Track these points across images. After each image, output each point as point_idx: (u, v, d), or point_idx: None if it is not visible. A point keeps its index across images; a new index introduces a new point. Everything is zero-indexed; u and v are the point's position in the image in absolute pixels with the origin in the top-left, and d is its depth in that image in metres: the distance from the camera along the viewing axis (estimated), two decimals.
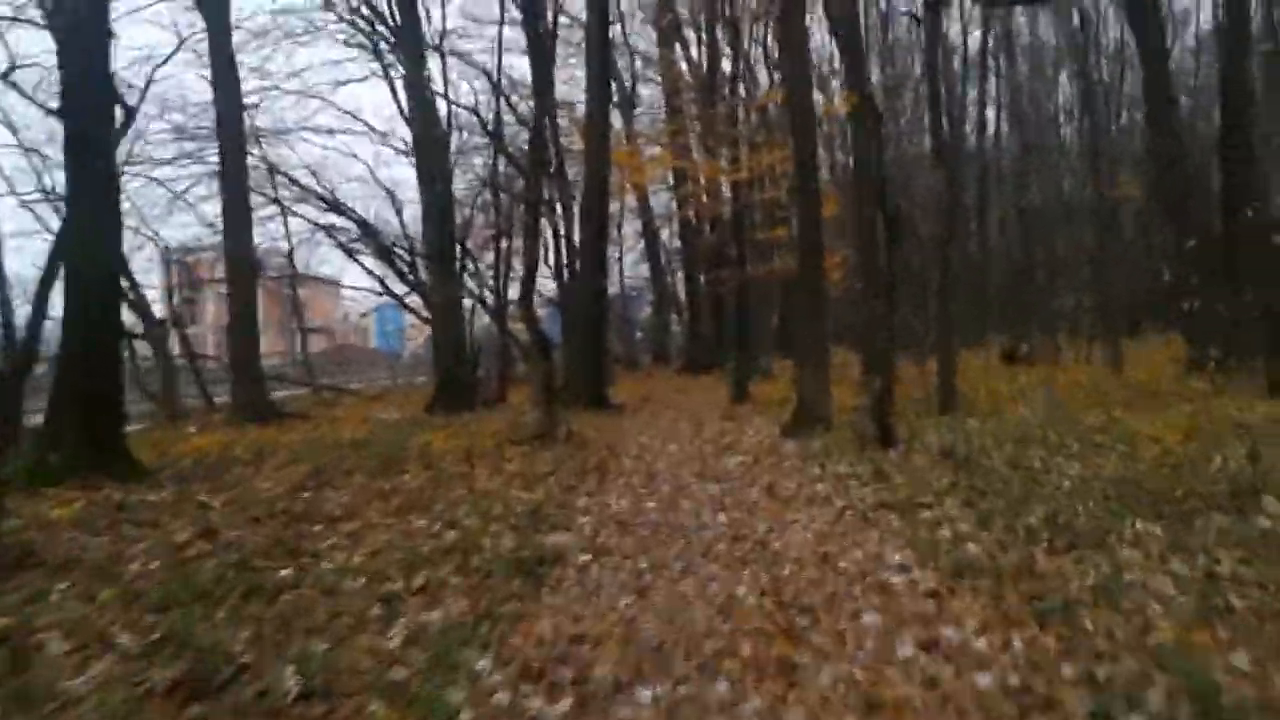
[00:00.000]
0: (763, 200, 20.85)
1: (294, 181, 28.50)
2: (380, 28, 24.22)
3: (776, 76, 25.40)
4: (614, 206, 44.56)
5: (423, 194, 20.47)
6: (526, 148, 32.81)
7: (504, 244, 22.41)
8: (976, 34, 31.91)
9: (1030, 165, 31.33)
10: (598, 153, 20.15)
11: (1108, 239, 23.16)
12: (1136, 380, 18.41)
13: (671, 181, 42.53)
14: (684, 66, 32.76)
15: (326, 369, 41.89)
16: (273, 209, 28.07)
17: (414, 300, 26.82)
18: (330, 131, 30.61)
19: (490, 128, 23.83)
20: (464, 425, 15.82)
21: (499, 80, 23.74)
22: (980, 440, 10.85)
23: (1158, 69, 19.72)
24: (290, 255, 27.88)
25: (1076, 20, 32.08)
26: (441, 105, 24.31)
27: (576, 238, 22.29)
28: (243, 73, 20.21)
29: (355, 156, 30.73)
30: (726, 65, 25.79)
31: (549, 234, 33.82)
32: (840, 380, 17.01)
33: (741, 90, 26.35)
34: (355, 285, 32.09)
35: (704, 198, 20.14)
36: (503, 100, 33.90)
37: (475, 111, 26.21)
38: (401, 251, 27.15)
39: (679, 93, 32.48)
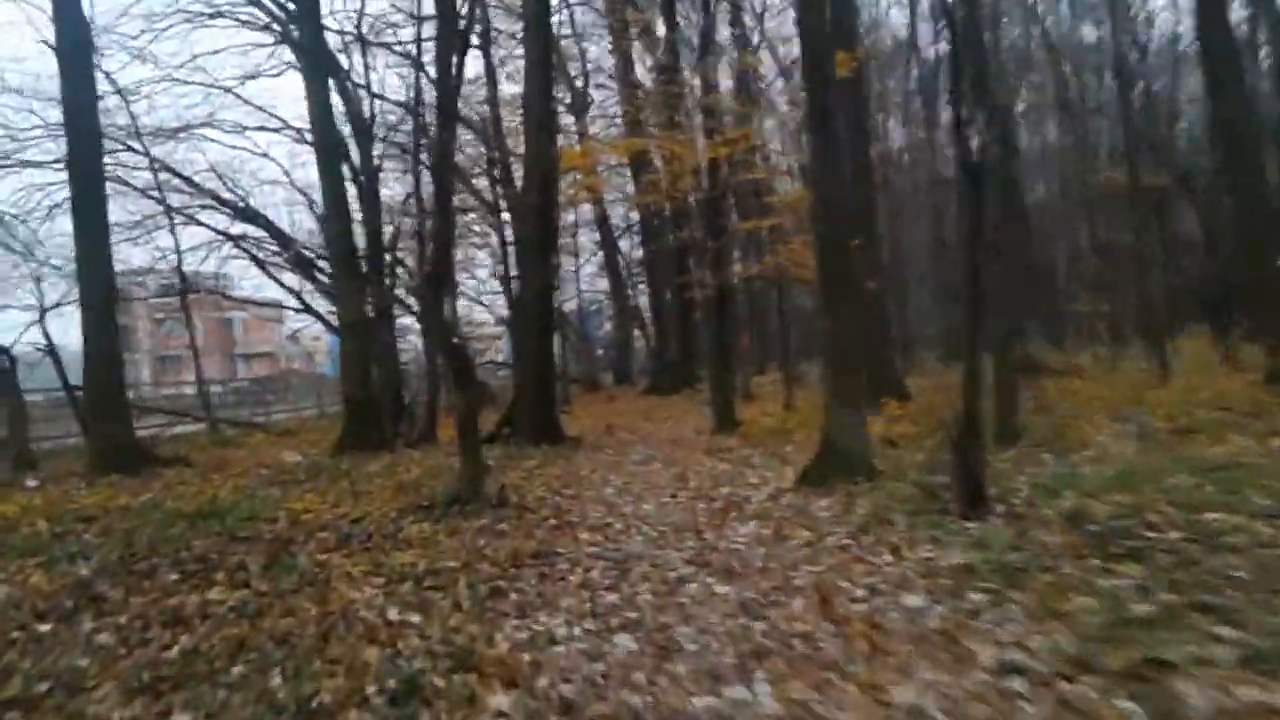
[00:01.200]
0: (744, 184, 17.38)
1: (193, 185, 24.62)
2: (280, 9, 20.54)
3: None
4: (569, 217, 41.19)
5: (324, 194, 16.72)
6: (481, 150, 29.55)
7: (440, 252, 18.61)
8: None
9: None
10: (539, 141, 16.51)
11: (1145, 232, 19.87)
12: (1200, 393, 15.02)
13: (631, 188, 39.22)
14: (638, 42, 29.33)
15: (253, 398, 37.74)
16: (173, 218, 24.21)
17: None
18: (243, 129, 26.58)
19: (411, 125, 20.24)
20: (366, 476, 12.04)
21: (417, 76, 20.07)
22: (1102, 494, 7.31)
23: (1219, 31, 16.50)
24: (180, 269, 23.83)
25: None
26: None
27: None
28: (123, 60, 16.46)
29: (267, 156, 26.92)
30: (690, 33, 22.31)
31: (494, 241, 30.39)
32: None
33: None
34: (264, 301, 27.83)
35: (672, 182, 16.44)
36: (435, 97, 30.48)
37: (407, 107, 22.52)
38: (323, 264, 23.43)
39: (632, 66, 29.06)
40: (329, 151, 16.34)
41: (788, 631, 4.88)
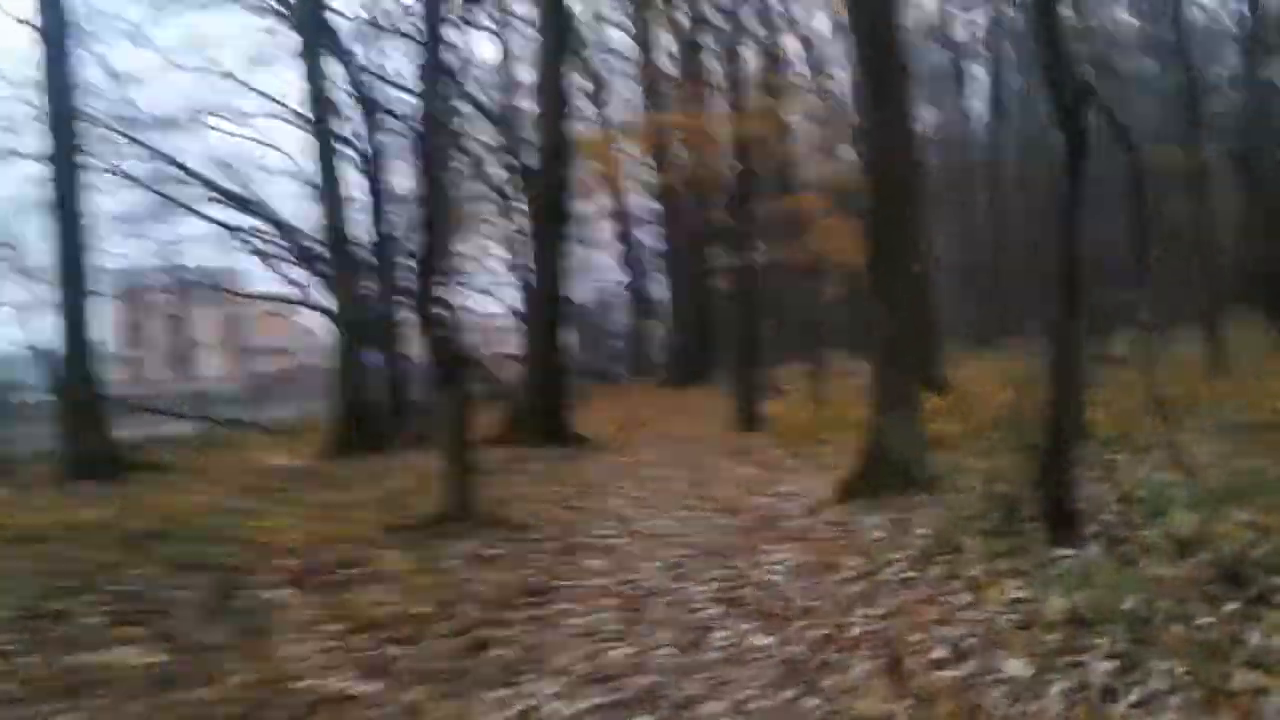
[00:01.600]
0: (770, 166, 16.12)
1: (193, 175, 23.43)
2: None
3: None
4: (587, 208, 39.93)
5: (322, 181, 15.52)
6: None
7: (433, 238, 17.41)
8: None
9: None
10: (552, 123, 15.29)
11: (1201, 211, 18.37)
12: (1273, 384, 13.66)
13: (650, 177, 37.93)
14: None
15: (261, 395, 36.65)
16: (172, 210, 23.03)
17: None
18: (247, 117, 25.32)
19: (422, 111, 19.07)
20: (353, 485, 10.90)
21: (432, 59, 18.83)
22: (1211, 509, 6.04)
23: None
24: (175, 263, 22.69)
25: None
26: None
27: None
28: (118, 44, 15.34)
29: (273, 146, 26.02)
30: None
31: (508, 231, 29.20)
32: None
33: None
34: (266, 295, 26.58)
35: (695, 163, 15.15)
36: (454, 85, 29.33)
37: (407, 86, 21.31)
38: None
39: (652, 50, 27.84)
40: (323, 135, 15.16)
41: (851, 715, 3.65)
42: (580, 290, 39.98)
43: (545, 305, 14.69)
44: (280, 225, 20.79)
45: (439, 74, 11.70)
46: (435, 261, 9.39)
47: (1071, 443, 6.07)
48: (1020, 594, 4.90)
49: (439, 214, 10.20)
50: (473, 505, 7.58)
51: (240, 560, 6.99)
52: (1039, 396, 8.66)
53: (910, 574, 5.51)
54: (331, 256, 14.86)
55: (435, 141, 11.83)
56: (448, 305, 9.77)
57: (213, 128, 22.59)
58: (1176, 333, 22.78)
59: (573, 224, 37.17)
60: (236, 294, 27.68)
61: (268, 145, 28.85)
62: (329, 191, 15.02)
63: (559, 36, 15.68)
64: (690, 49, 27.14)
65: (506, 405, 15.48)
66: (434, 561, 6.55)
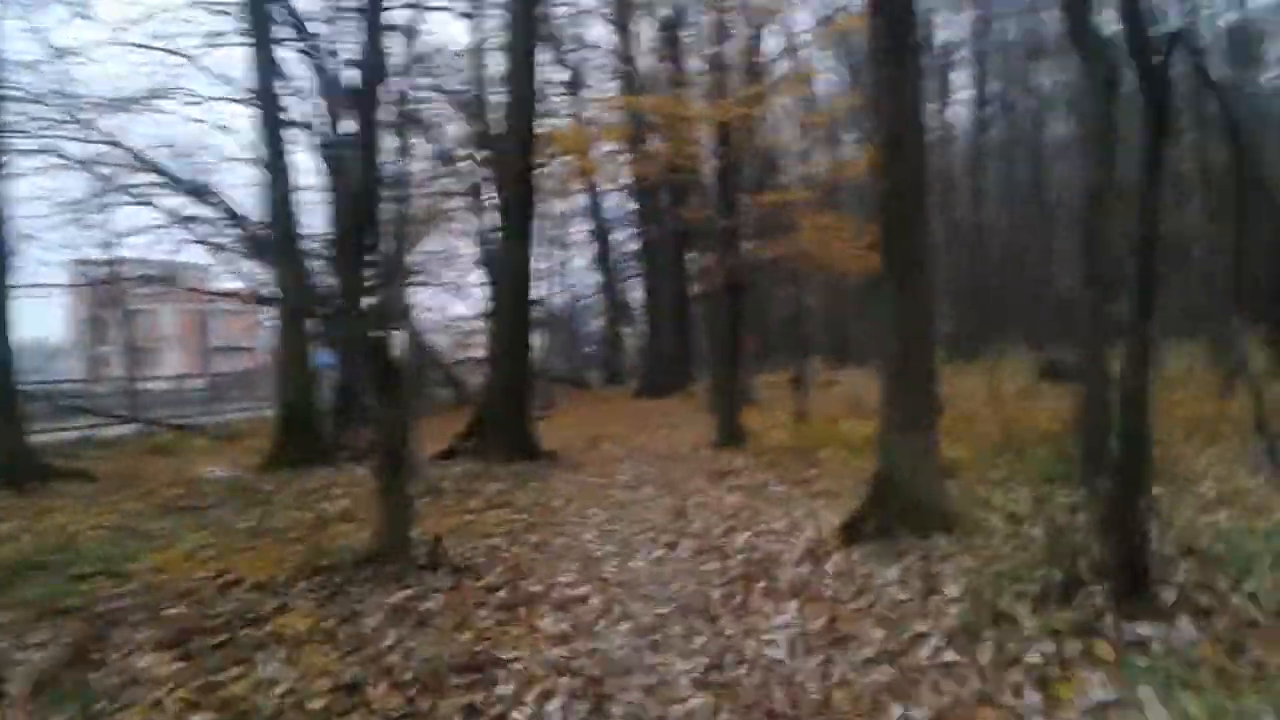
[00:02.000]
0: (760, 156, 14.91)
1: (140, 159, 21.97)
2: None
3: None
4: (560, 207, 38.65)
5: (271, 163, 14.14)
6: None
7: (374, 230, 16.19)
8: None
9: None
10: (521, 104, 14.03)
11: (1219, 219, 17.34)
12: None
13: (631, 165, 36.74)
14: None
15: (215, 396, 35.11)
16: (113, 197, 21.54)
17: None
18: (201, 100, 23.86)
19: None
20: (284, 504, 9.62)
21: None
22: None
23: None
24: (109, 257, 21.24)
25: None
26: None
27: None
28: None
29: (226, 129, 24.67)
30: None
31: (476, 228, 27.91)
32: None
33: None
34: (217, 292, 25.01)
35: (674, 152, 13.88)
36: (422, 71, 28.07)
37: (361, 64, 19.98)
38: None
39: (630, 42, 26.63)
40: (271, 115, 13.78)
41: None
42: (554, 292, 38.84)
43: (511, 306, 13.41)
44: (231, 214, 19.44)
45: (378, 54, 10.44)
46: (370, 254, 8.12)
47: (1146, 481, 4.89)
48: (1106, 695, 3.73)
49: (369, 184, 8.89)
50: (408, 542, 6.30)
51: (124, 605, 5.72)
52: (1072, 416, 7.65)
53: (951, 656, 4.31)
54: (279, 247, 13.50)
55: (390, 125, 10.61)
56: (395, 304, 8.64)
57: (161, 110, 21.19)
58: (1169, 345, 21.91)
59: (542, 220, 36.02)
60: (185, 289, 26.09)
61: (221, 129, 27.32)
62: (277, 178, 13.66)
63: (528, 19, 14.43)
64: (670, 42, 26.00)
65: (469, 414, 14.20)
66: (353, 620, 5.29)
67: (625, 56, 29.71)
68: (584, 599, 5.74)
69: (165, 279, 26.42)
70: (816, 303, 41.99)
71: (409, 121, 27.24)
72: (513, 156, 13.58)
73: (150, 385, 32.32)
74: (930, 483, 6.73)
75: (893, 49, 7.28)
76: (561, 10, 32.34)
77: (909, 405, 6.95)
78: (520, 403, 13.33)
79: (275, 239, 13.30)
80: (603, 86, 34.51)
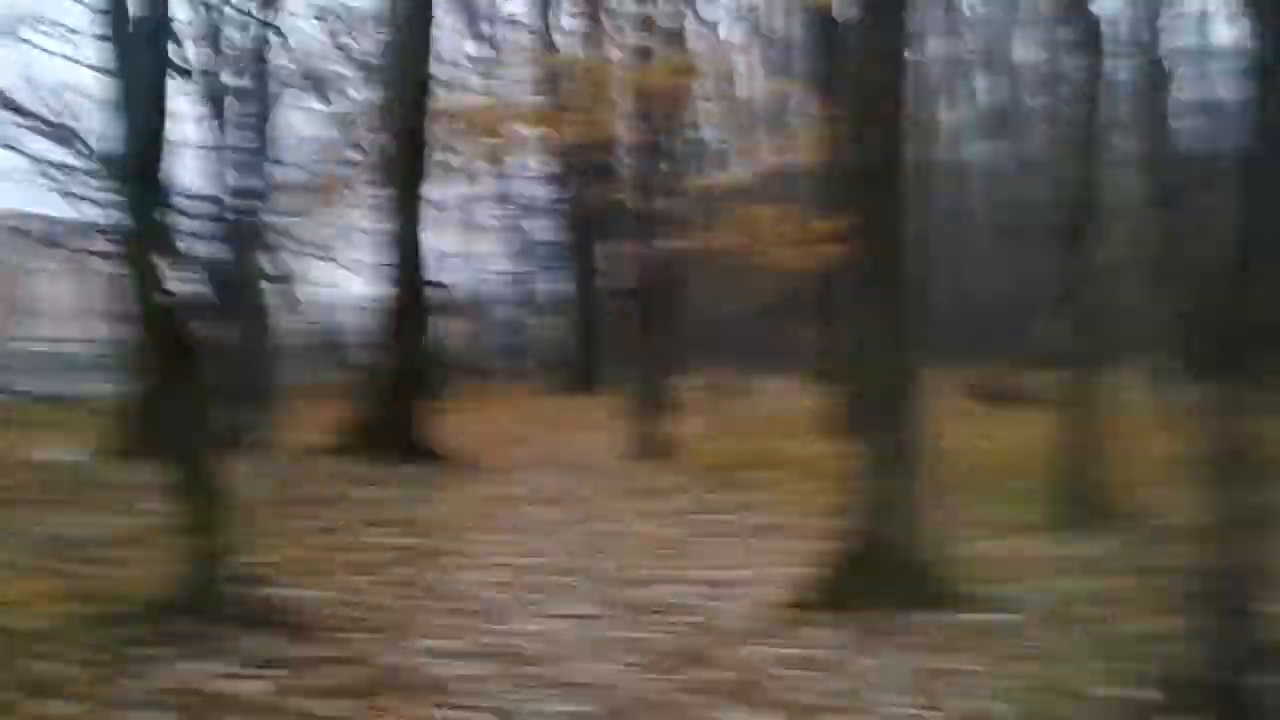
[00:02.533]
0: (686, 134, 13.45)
1: None
2: None
3: None
4: (473, 190, 36.68)
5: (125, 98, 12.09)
6: None
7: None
8: None
9: None
10: (414, 58, 12.27)
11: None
12: None
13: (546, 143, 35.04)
14: None
15: (98, 365, 32.16)
16: None
17: None
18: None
19: None
20: (101, 510, 7.81)
21: None
22: None
23: None
24: None
25: None
26: None
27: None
28: None
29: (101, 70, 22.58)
30: None
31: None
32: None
33: None
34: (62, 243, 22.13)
35: (588, 121, 12.26)
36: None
37: None
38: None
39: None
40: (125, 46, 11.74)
41: None
42: (461, 279, 36.85)
43: (400, 281, 11.69)
44: (93, 160, 17.13)
45: None
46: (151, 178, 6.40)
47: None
48: None
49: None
50: (216, 585, 4.59)
51: None
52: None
53: None
54: (133, 193, 11.46)
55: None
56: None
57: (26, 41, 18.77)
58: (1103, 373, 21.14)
59: (452, 204, 33.95)
60: (56, 243, 22.98)
61: (94, 69, 24.59)
62: (134, 111, 11.62)
63: None
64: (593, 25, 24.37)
65: (352, 406, 12.37)
66: (121, 713, 3.61)
67: (544, 30, 27.99)
68: (464, 679, 4.14)
69: (40, 231, 23.70)
70: (731, 304, 40.90)
71: (309, 79, 25.20)
72: (401, 108, 11.88)
73: (20, 349, 29.33)
74: (916, 538, 5.30)
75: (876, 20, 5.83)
76: None
77: (888, 437, 5.50)
78: (411, 394, 11.61)
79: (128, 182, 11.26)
80: (519, 69, 32.83)
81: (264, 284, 14.69)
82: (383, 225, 12.97)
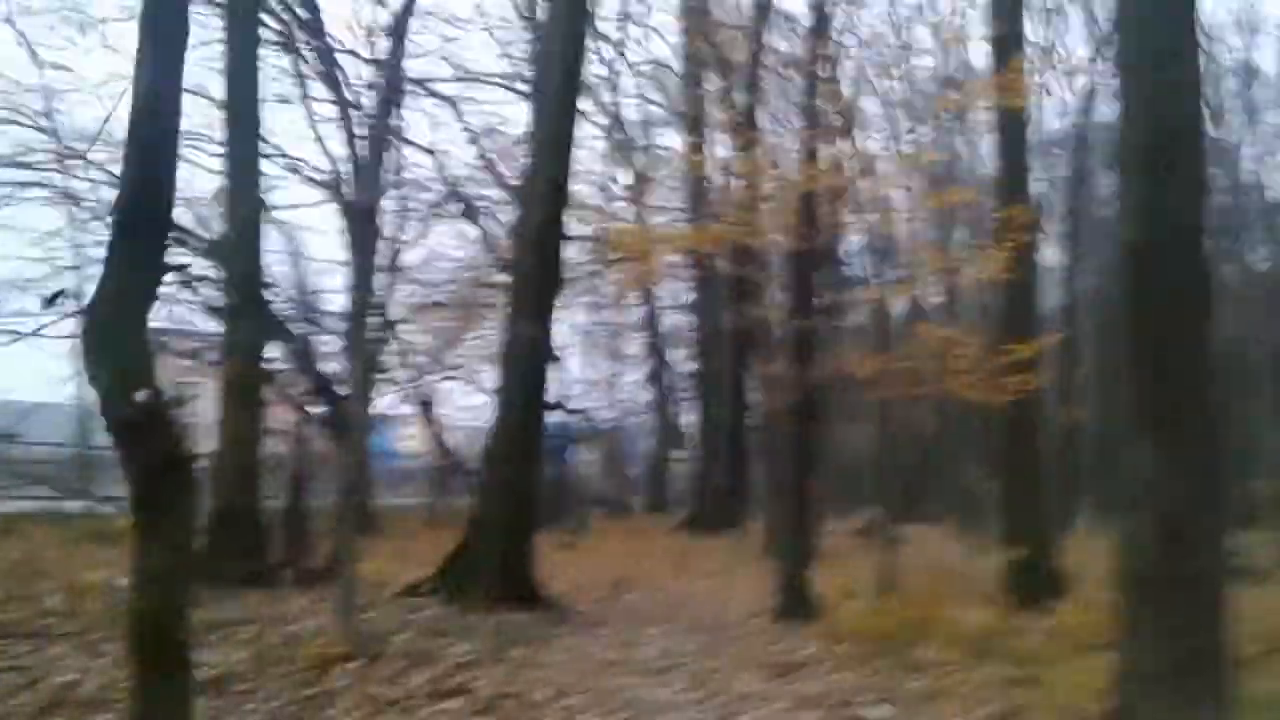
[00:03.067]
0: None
1: None
2: None
3: None
4: (614, 316, 36.02)
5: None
6: None
7: None
8: None
9: None
10: (553, 130, 11.22)
11: None
12: None
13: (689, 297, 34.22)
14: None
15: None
16: None
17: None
18: None
19: None
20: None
21: None
22: None
23: None
24: None
25: None
26: None
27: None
28: None
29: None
30: None
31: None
32: None
33: None
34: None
35: (744, 223, 10.84)
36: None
37: None
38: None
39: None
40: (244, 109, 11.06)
41: None
42: (602, 408, 35.84)
43: (516, 399, 10.36)
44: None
45: None
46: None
47: None
48: None
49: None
50: None
51: None
52: None
53: None
54: (237, 296, 10.63)
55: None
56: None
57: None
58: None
59: (596, 329, 33.05)
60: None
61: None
62: (247, 217, 10.87)
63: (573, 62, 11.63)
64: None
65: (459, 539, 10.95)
66: None
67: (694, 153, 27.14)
68: None
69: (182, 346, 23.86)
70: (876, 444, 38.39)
71: (460, 201, 25.02)
72: (535, 208, 10.78)
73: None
74: None
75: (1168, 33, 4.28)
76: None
77: (1178, 639, 3.65)
78: (520, 527, 10.15)
79: (229, 283, 10.44)
80: (670, 194, 32.26)
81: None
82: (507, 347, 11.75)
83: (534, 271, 10.57)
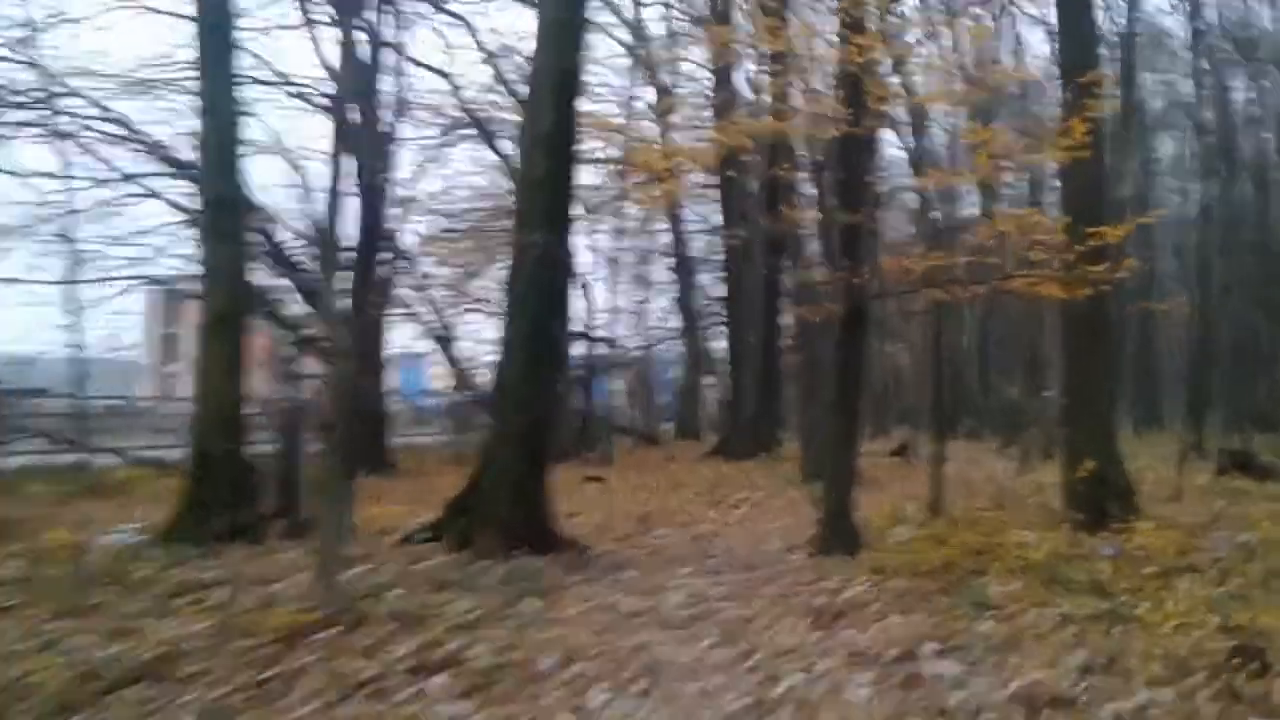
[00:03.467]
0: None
1: None
2: None
3: None
4: (634, 240, 34.80)
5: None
6: None
7: None
8: None
9: None
10: (559, 17, 9.85)
11: None
12: None
13: (718, 217, 32.96)
14: None
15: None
16: None
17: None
18: None
19: None
20: (104, 612, 5.67)
21: None
22: None
23: None
24: None
25: None
26: None
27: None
28: None
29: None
30: None
31: None
32: None
33: None
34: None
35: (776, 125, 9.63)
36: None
37: None
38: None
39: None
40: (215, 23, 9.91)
41: None
42: (629, 334, 34.83)
43: (526, 323, 9.28)
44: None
45: None
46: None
47: None
48: None
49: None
50: None
51: None
52: None
53: None
54: (214, 216, 9.56)
55: None
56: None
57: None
58: None
59: (621, 256, 31.87)
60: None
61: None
62: (220, 126, 9.76)
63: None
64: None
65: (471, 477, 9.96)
66: None
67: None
68: None
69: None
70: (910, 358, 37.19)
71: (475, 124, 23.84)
72: (543, 102, 9.58)
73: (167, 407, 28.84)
74: None
75: None
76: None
77: None
78: (535, 462, 9.17)
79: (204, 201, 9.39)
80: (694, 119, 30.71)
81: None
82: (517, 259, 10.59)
83: (545, 175, 9.41)
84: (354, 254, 16.14)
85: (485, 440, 9.55)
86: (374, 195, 17.59)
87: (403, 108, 21.15)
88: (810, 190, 17.66)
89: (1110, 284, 8.20)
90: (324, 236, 8.46)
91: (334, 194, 11.81)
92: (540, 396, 9.40)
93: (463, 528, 8.87)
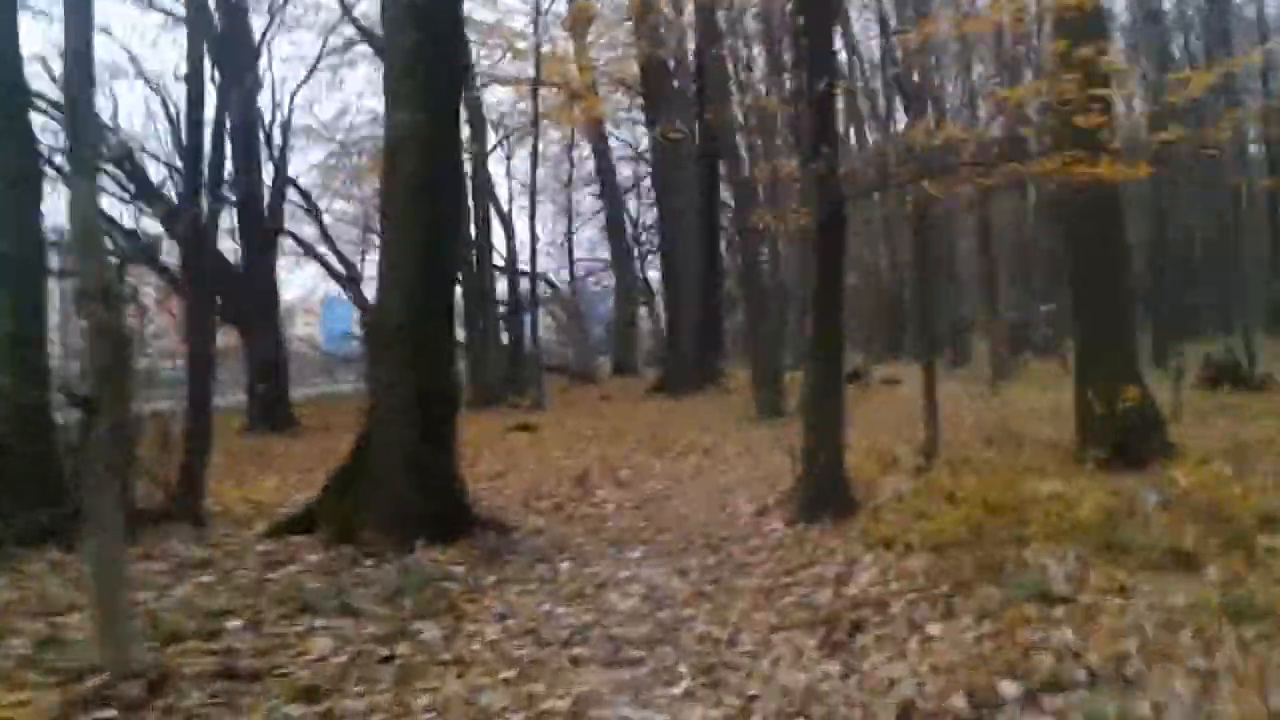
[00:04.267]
0: None
1: None
2: None
3: None
4: (554, 166, 32.48)
5: None
6: None
7: None
8: None
9: None
10: None
11: None
12: None
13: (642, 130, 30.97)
14: None
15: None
16: None
17: None
18: None
19: None
20: None
21: None
22: None
23: None
24: None
25: None
26: None
27: None
28: None
29: None
30: None
31: None
32: None
33: None
34: None
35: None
36: None
37: None
38: None
39: None
40: None
41: None
42: (554, 267, 32.73)
43: (413, 241, 7.12)
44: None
45: None
46: None
47: None
48: None
49: None
50: None
51: None
52: None
53: None
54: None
55: None
56: None
57: None
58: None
59: (545, 184, 29.40)
60: None
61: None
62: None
63: None
64: None
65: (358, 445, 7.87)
66: None
67: None
68: None
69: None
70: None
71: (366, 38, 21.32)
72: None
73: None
74: None
75: None
76: None
77: None
78: (433, 427, 7.11)
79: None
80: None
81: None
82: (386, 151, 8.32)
83: (417, 45, 7.17)
84: (229, 186, 13.86)
85: (368, 402, 7.44)
86: (246, 118, 15.18)
87: (276, 16, 18.62)
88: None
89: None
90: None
91: (193, 118, 10.11)
92: (434, 339, 7.30)
93: (344, 514, 6.83)
